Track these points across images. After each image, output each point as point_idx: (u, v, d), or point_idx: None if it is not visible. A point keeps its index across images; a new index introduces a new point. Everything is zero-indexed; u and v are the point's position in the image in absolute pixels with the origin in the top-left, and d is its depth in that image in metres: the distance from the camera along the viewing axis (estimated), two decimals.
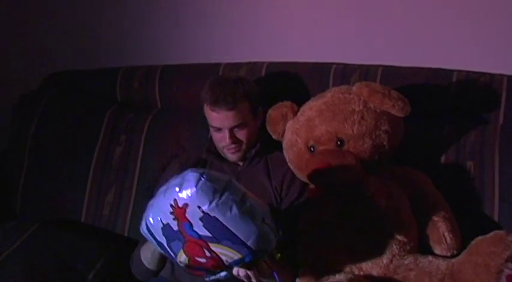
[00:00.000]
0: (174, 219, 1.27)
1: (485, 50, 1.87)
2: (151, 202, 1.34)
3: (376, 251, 1.49)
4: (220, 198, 1.25)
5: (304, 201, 1.67)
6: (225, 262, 1.29)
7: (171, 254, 1.32)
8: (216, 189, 1.25)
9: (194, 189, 1.24)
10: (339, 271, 1.51)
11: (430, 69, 1.85)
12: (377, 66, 1.88)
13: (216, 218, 1.24)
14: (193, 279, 1.63)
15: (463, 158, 1.73)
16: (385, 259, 1.49)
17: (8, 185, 2.08)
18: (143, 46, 2.25)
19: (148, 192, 1.89)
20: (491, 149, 1.71)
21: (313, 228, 1.59)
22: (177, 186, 1.26)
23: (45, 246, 1.77)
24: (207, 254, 1.27)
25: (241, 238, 1.26)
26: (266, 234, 1.30)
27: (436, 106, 1.83)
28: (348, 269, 1.52)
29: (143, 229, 1.35)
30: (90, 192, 1.99)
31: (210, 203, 1.24)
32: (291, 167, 1.70)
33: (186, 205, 1.25)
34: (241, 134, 1.71)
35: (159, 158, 1.96)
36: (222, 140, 1.71)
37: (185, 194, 1.25)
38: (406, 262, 1.49)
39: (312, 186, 1.64)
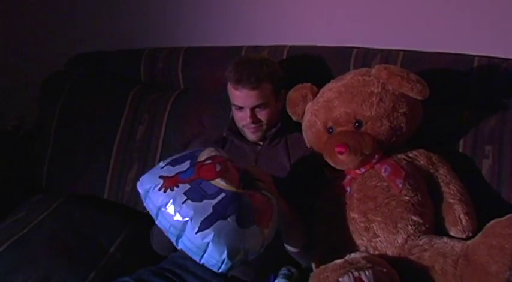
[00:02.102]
0: (168, 189, 1.31)
1: (508, 35, 1.86)
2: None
3: (391, 231, 1.51)
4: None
5: (322, 181, 1.69)
6: None
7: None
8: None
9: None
10: (354, 250, 1.53)
11: (451, 54, 1.85)
12: (398, 51, 1.88)
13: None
14: None
15: (481, 142, 1.73)
16: (400, 239, 1.50)
17: (35, 161, 2.14)
18: (167, 28, 2.28)
19: None
20: (511, 134, 1.71)
21: (330, 208, 1.61)
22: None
23: (69, 219, 1.83)
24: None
25: None
26: None
27: (457, 91, 1.83)
28: (363, 248, 1.53)
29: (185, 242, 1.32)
30: (113, 169, 2.04)
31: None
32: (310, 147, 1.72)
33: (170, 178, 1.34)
34: (262, 114, 1.73)
35: (180, 136, 1.99)
36: (242, 119, 1.74)
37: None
38: (421, 243, 1.50)
39: (330, 167, 1.66)
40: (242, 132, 1.79)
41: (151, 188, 1.34)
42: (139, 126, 2.06)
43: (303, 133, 1.74)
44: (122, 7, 2.35)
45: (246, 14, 2.17)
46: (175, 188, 1.30)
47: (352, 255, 1.48)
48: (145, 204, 1.37)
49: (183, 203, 1.29)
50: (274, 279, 1.50)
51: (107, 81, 2.20)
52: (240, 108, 1.73)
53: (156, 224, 1.70)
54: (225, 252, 1.27)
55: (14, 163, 2.14)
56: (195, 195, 1.30)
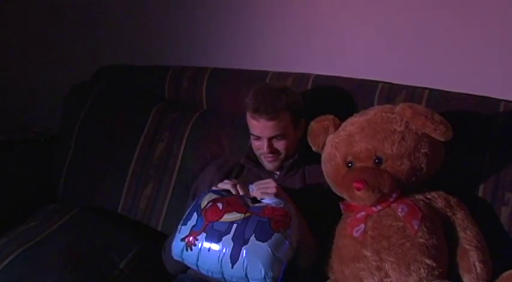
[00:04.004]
0: (191, 246, 1.48)
1: None
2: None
3: (403, 273, 1.49)
4: None
5: (337, 215, 1.67)
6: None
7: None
8: None
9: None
10: None
11: (477, 96, 1.83)
12: (423, 89, 1.87)
13: None
14: None
15: (502, 189, 1.70)
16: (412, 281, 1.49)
17: (53, 169, 2.15)
18: (195, 47, 2.30)
19: (184, 190, 1.94)
20: None
21: (343, 243, 1.60)
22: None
23: (82, 231, 1.82)
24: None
25: None
26: None
27: (480, 134, 1.81)
28: None
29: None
30: (129, 184, 2.03)
31: None
32: (327, 180, 1.70)
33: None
34: (279, 145, 1.72)
35: (198, 157, 1.99)
36: (260, 148, 1.74)
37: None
38: None
39: (346, 201, 1.65)
40: (260, 160, 1.79)
41: (182, 253, 1.50)
42: (159, 143, 2.05)
43: (322, 165, 1.72)
44: (151, 23, 2.37)
45: (274, 40, 2.18)
46: (195, 242, 1.46)
47: None
48: (188, 265, 1.55)
49: (209, 250, 1.44)
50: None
51: (130, 95, 2.21)
52: (258, 137, 1.72)
53: (168, 240, 1.71)
54: (262, 269, 1.41)
55: (33, 170, 2.15)
56: (213, 238, 1.45)
